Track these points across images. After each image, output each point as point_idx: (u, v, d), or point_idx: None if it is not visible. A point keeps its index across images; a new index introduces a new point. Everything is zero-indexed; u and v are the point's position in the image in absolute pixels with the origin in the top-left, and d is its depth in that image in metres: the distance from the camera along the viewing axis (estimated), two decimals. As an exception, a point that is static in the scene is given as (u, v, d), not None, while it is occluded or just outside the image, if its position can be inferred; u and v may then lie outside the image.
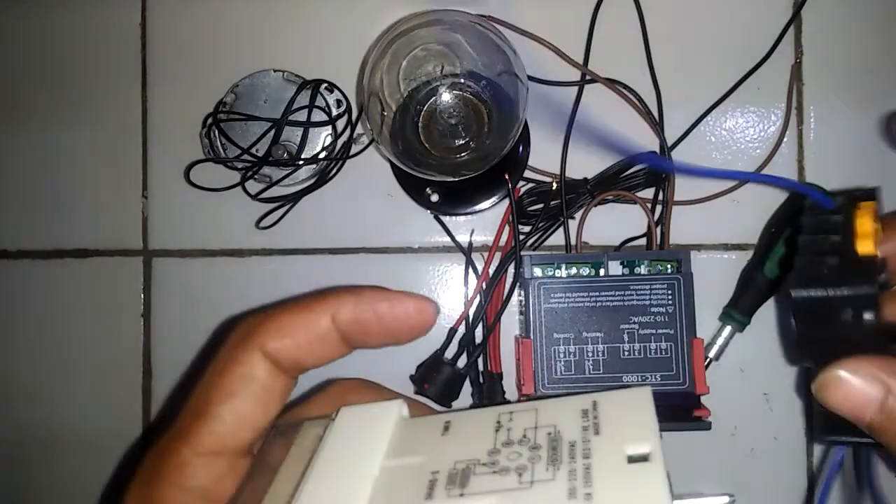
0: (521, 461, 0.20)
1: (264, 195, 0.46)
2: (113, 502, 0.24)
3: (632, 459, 0.19)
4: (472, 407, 0.44)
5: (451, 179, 0.44)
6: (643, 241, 0.45)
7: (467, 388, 0.44)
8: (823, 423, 0.25)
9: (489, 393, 0.44)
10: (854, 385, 0.23)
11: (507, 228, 0.45)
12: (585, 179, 0.45)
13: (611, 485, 0.18)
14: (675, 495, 0.19)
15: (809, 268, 0.24)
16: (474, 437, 0.21)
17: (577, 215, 0.45)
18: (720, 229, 0.46)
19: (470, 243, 0.46)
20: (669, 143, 0.46)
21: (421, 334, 0.25)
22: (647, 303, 0.41)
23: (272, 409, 0.24)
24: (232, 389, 0.23)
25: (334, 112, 0.46)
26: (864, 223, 0.25)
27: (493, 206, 0.46)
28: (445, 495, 0.19)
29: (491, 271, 0.45)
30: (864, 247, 0.24)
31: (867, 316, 0.24)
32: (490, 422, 0.22)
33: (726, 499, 0.19)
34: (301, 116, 0.46)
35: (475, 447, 0.21)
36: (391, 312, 0.24)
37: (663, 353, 0.40)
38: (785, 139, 0.46)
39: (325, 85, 0.46)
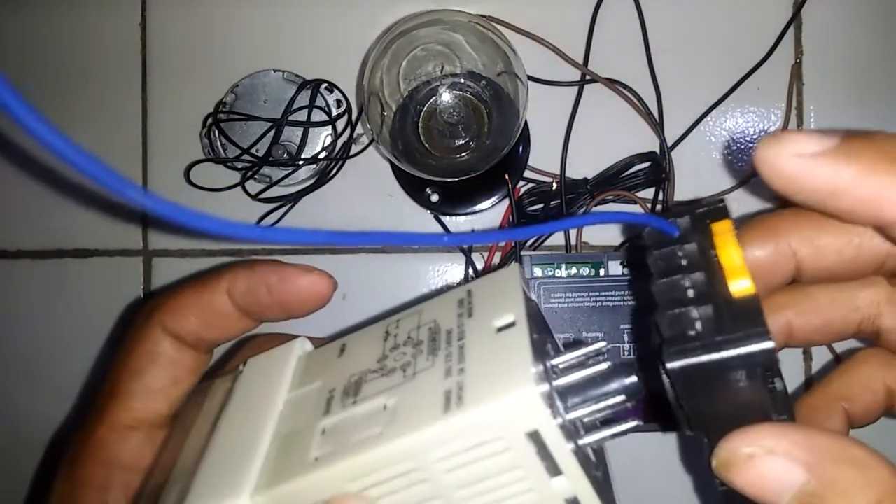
0: (405, 359, 0.21)
1: (264, 195, 0.46)
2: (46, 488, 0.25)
3: (500, 330, 0.20)
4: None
5: (451, 179, 0.44)
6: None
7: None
8: (724, 500, 0.20)
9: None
10: (769, 467, 0.18)
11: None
12: (585, 179, 0.45)
13: (480, 355, 0.19)
14: (553, 353, 0.20)
15: (676, 326, 0.19)
16: (365, 352, 0.22)
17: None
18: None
19: (470, 247, 0.46)
20: (669, 143, 0.46)
21: (316, 308, 0.26)
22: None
23: (184, 383, 0.26)
24: (140, 367, 0.25)
25: (334, 112, 0.46)
26: (729, 255, 0.19)
27: (493, 206, 0.46)
28: (341, 407, 0.20)
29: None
30: (739, 287, 0.19)
31: (776, 384, 0.19)
32: (379, 334, 0.23)
33: (602, 344, 0.20)
34: (301, 116, 0.46)
35: (366, 359, 0.22)
36: (282, 285, 0.25)
37: (663, 353, 0.40)
38: (785, 139, 0.46)
39: (325, 85, 0.46)
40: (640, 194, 0.45)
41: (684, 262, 0.20)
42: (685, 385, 0.19)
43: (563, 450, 0.18)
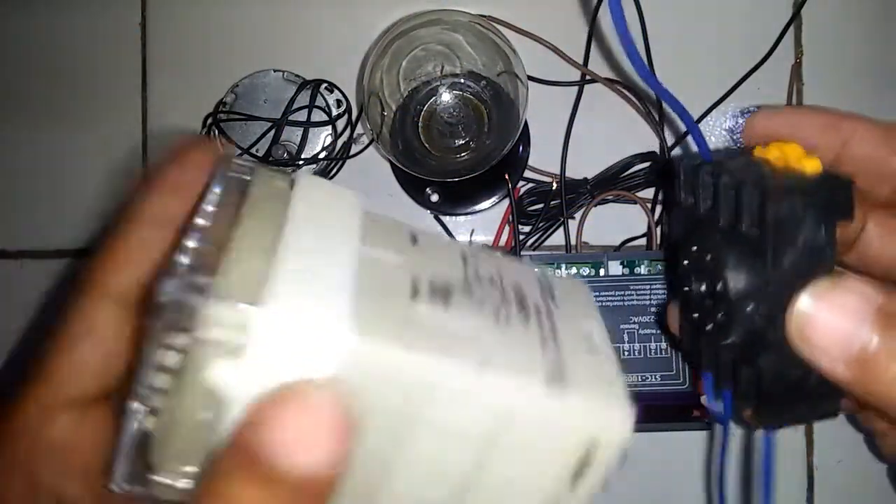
0: (495, 300, 0.20)
1: (264, 195, 0.46)
2: None
3: (586, 336, 0.21)
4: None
5: (452, 179, 0.44)
6: (643, 241, 0.45)
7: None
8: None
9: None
10: (844, 298, 0.19)
11: (507, 228, 0.45)
12: (585, 179, 0.45)
13: (575, 347, 0.20)
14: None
15: (770, 187, 0.21)
16: (445, 260, 0.21)
17: (577, 215, 0.45)
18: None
19: (470, 243, 0.46)
20: (669, 143, 0.46)
21: None
22: (647, 303, 0.41)
23: (123, 352, 0.23)
24: (69, 344, 0.23)
25: (334, 112, 0.46)
26: (793, 149, 0.22)
27: (493, 206, 0.46)
28: (429, 302, 0.19)
29: (491, 271, 0.45)
30: (813, 165, 0.21)
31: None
32: (456, 251, 0.22)
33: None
34: (301, 116, 0.46)
35: (448, 269, 0.21)
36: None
37: (663, 353, 0.40)
38: (785, 139, 0.46)
39: (325, 85, 0.46)
40: (640, 194, 0.45)
41: (738, 167, 0.22)
42: (777, 235, 0.20)
43: (594, 486, 0.19)
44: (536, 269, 0.23)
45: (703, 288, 0.23)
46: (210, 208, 0.19)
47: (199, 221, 0.18)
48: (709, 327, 0.23)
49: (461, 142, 0.43)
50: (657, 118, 0.46)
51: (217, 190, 0.19)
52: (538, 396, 0.18)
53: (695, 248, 0.23)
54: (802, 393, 0.22)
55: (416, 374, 0.17)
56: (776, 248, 0.20)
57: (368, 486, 0.19)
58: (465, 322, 0.19)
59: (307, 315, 0.16)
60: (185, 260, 0.17)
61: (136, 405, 0.17)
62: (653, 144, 0.46)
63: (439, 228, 0.47)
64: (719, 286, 0.22)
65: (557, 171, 0.45)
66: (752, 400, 0.22)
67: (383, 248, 0.20)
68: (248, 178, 0.21)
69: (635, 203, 0.45)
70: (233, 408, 0.16)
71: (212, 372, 0.16)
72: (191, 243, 0.17)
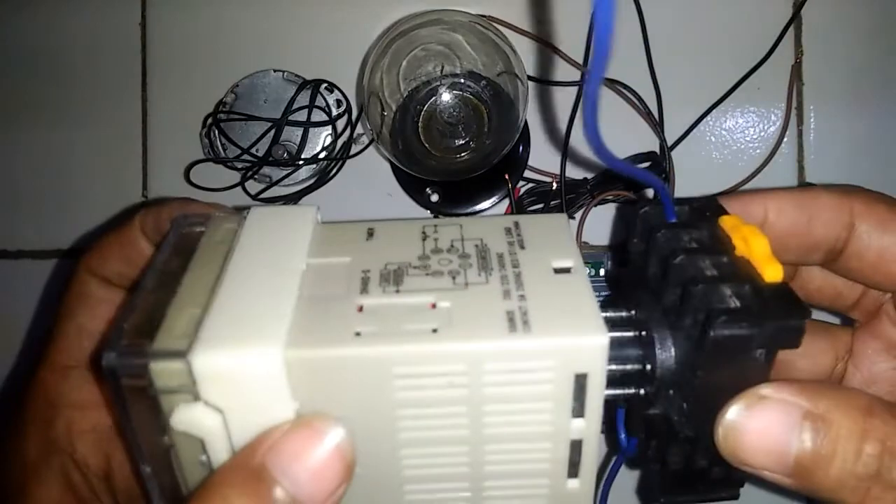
0: (452, 266, 0.21)
1: (264, 195, 0.46)
2: None
3: (557, 271, 0.21)
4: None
5: (452, 179, 0.44)
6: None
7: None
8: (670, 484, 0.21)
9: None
10: (769, 412, 0.18)
11: (507, 228, 0.45)
12: (585, 179, 0.45)
13: (542, 288, 0.20)
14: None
15: (712, 299, 0.19)
16: (401, 243, 0.22)
17: (577, 215, 0.45)
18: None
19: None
20: (669, 143, 0.46)
21: None
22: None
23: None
24: (71, 309, 0.26)
25: (334, 112, 0.46)
26: (761, 245, 0.20)
27: (493, 206, 0.46)
28: (381, 291, 0.20)
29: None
30: (775, 273, 0.20)
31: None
32: (415, 231, 0.22)
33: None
34: (301, 116, 0.46)
35: (404, 252, 0.21)
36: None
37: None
38: (785, 139, 0.46)
39: (325, 85, 0.46)
40: (640, 194, 0.45)
41: (695, 245, 0.21)
42: (716, 356, 0.19)
43: (597, 397, 0.19)
44: (506, 218, 0.23)
45: (634, 352, 0.21)
46: (155, 265, 0.21)
47: (145, 281, 0.21)
48: (631, 390, 0.22)
49: (461, 142, 0.43)
50: (657, 118, 0.46)
51: (167, 248, 0.22)
52: (502, 343, 0.18)
53: (633, 311, 0.22)
54: (705, 480, 0.22)
55: (366, 366, 0.18)
56: (710, 363, 0.19)
57: (383, 478, 0.19)
58: (418, 298, 0.20)
59: (236, 347, 0.18)
60: (126, 325, 0.19)
61: (147, 470, 0.19)
62: (653, 144, 0.46)
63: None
64: (647, 362, 0.21)
65: (557, 171, 0.45)
66: (655, 465, 0.22)
67: (333, 255, 0.21)
68: (202, 228, 0.23)
69: (635, 203, 0.45)
70: (210, 439, 0.18)
71: (180, 415, 0.18)
72: (133, 306, 0.20)
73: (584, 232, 0.45)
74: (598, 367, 0.18)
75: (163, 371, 0.18)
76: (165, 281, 0.21)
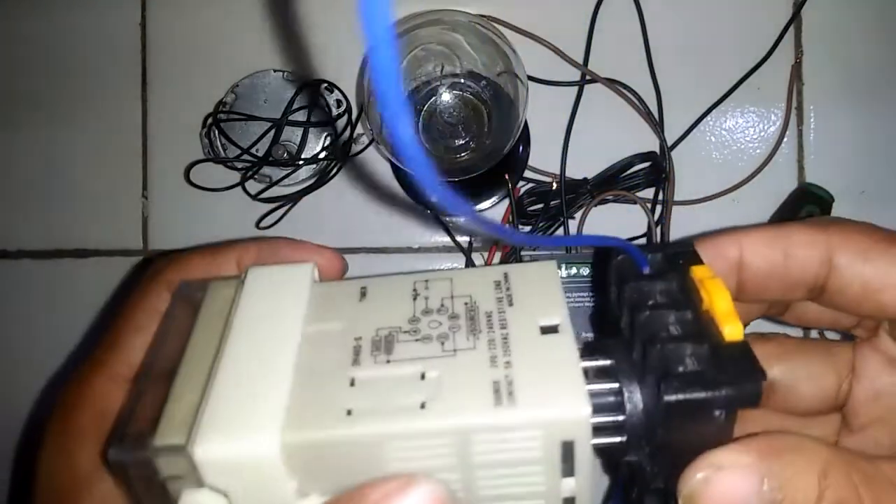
0: (441, 329, 0.21)
1: (264, 195, 0.46)
2: (34, 438, 0.25)
3: (544, 330, 0.20)
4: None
5: (451, 179, 0.44)
6: (643, 241, 0.45)
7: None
8: None
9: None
10: (726, 482, 0.19)
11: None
12: (585, 179, 0.45)
13: (527, 354, 0.20)
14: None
15: (668, 360, 0.19)
16: (393, 305, 0.22)
17: (577, 215, 0.45)
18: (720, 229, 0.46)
19: (470, 243, 0.46)
20: (669, 143, 0.46)
21: None
22: (647, 303, 0.41)
23: None
24: (142, 323, 0.25)
25: (334, 112, 0.46)
26: (721, 300, 0.20)
27: (493, 205, 0.46)
28: (372, 361, 0.20)
29: (491, 271, 0.45)
30: (732, 331, 0.19)
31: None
32: (407, 289, 0.22)
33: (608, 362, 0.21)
34: (301, 116, 0.46)
35: (395, 314, 0.22)
36: (294, 261, 0.25)
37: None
38: (785, 139, 0.46)
39: (325, 85, 0.46)
40: (640, 194, 0.45)
41: (662, 299, 0.21)
42: (670, 419, 0.19)
43: (586, 460, 0.19)
44: (496, 270, 0.23)
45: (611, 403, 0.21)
46: (157, 347, 0.22)
47: (147, 364, 0.22)
48: (611, 439, 0.21)
49: (461, 142, 0.43)
50: (657, 118, 0.46)
51: (169, 320, 0.23)
52: (487, 418, 0.19)
53: (609, 361, 0.21)
54: None
55: (357, 444, 0.19)
56: (667, 424, 0.19)
57: None
58: (408, 368, 0.20)
59: (233, 435, 0.19)
60: (131, 414, 0.20)
61: None
62: (653, 144, 0.46)
63: (439, 228, 0.47)
64: (619, 413, 0.21)
65: (557, 171, 0.45)
66: None
67: (327, 319, 0.22)
68: (201, 294, 0.23)
69: (635, 203, 0.45)
70: None
71: (186, 500, 0.19)
72: (132, 397, 0.21)
73: (584, 232, 0.45)
74: (582, 435, 0.19)
75: (166, 462, 0.19)
76: (167, 359, 0.22)
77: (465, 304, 0.22)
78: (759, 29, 0.46)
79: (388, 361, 0.20)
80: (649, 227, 0.45)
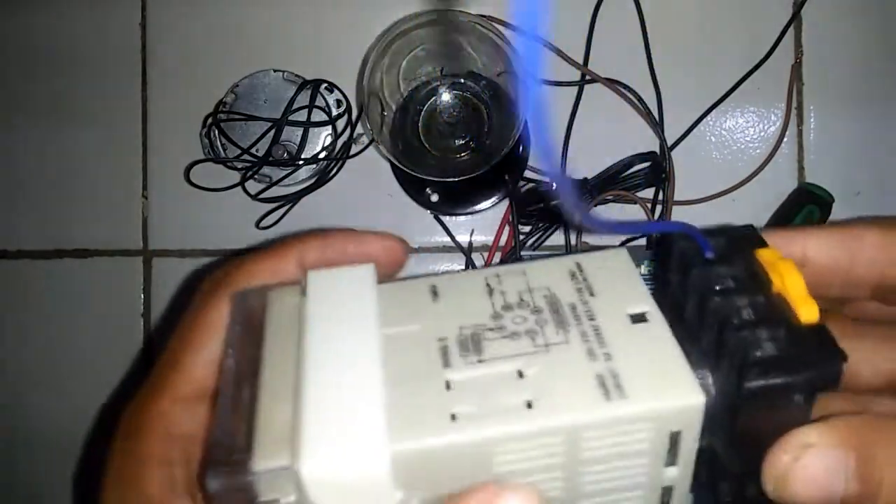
0: (528, 325, 0.20)
1: (264, 195, 0.46)
2: (95, 463, 0.24)
3: (634, 319, 0.20)
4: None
5: (451, 179, 0.44)
6: (643, 241, 0.45)
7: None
8: None
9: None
10: (816, 461, 0.19)
11: (507, 228, 0.45)
12: (585, 179, 0.45)
13: (624, 344, 0.19)
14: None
15: (747, 346, 0.19)
16: (469, 302, 0.21)
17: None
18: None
19: (470, 243, 0.46)
20: (669, 143, 0.46)
21: (392, 273, 0.25)
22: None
23: None
24: (203, 338, 0.23)
25: (334, 112, 0.46)
26: (796, 283, 0.20)
27: (493, 205, 0.46)
28: (463, 362, 0.19)
29: (491, 271, 0.45)
30: (810, 313, 0.19)
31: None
32: (480, 285, 0.21)
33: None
34: (301, 116, 0.46)
35: (475, 312, 0.21)
36: (358, 252, 0.24)
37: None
38: (785, 139, 0.46)
39: (325, 85, 0.46)
40: (640, 194, 0.45)
41: (731, 284, 0.21)
42: (752, 404, 0.19)
43: (691, 449, 0.19)
44: (567, 260, 0.22)
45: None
46: (230, 362, 0.21)
47: (224, 382, 0.20)
48: None
49: (461, 142, 0.43)
50: (657, 118, 0.46)
51: (235, 332, 0.21)
52: (600, 413, 0.18)
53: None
54: None
55: (467, 450, 0.18)
56: (748, 410, 0.19)
57: None
58: (503, 366, 0.19)
59: (341, 448, 0.18)
60: (222, 439, 0.19)
61: None
62: (653, 144, 0.46)
63: (439, 228, 0.47)
64: None
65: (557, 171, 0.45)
66: (707, 493, 0.22)
67: (404, 321, 0.20)
68: (261, 304, 0.22)
69: (635, 203, 0.45)
70: None
71: None
72: (219, 418, 0.20)
73: (584, 232, 0.45)
74: (693, 424, 0.18)
75: (269, 485, 0.18)
76: (244, 375, 0.20)
77: (545, 296, 0.21)
78: (759, 29, 0.46)
79: (481, 361, 0.19)
80: (649, 227, 0.45)
